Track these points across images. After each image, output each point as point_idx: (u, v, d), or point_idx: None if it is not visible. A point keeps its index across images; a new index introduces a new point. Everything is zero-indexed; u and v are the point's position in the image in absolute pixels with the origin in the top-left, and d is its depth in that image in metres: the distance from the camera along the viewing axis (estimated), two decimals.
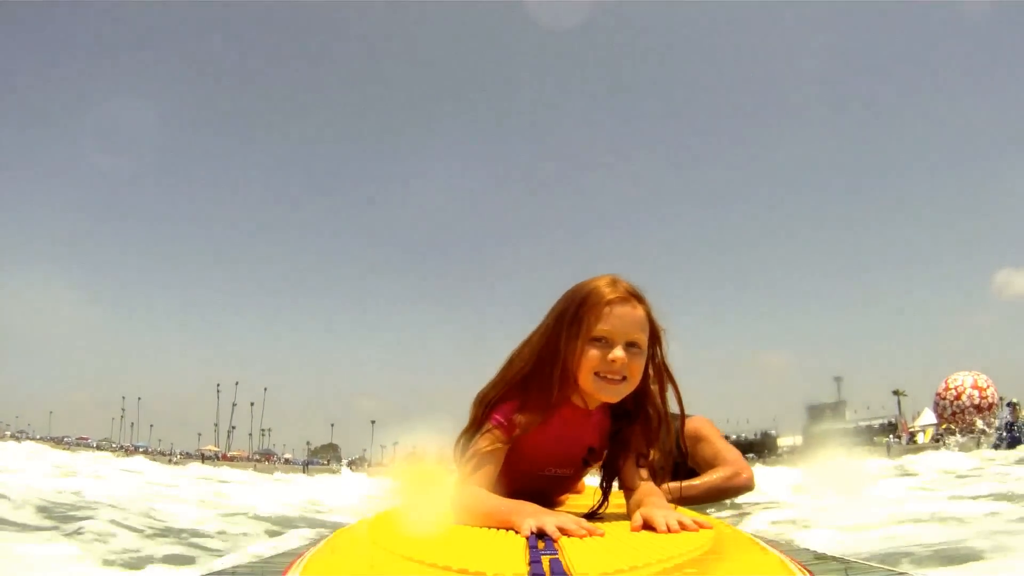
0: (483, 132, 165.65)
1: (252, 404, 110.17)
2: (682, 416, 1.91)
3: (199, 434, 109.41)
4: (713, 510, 3.90)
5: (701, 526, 1.30)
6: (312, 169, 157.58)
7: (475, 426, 1.80)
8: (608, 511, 1.79)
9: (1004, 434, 13.66)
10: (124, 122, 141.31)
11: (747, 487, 3.59)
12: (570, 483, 2.00)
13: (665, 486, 1.78)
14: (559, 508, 1.87)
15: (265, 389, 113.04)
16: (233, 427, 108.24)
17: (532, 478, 1.85)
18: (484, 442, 1.71)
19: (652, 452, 1.82)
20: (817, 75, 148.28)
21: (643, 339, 1.72)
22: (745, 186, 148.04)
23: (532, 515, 1.34)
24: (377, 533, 1.26)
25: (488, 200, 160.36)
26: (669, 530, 1.29)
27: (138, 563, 3.80)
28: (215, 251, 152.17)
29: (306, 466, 68.19)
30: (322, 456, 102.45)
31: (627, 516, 1.57)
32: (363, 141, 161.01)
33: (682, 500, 3.10)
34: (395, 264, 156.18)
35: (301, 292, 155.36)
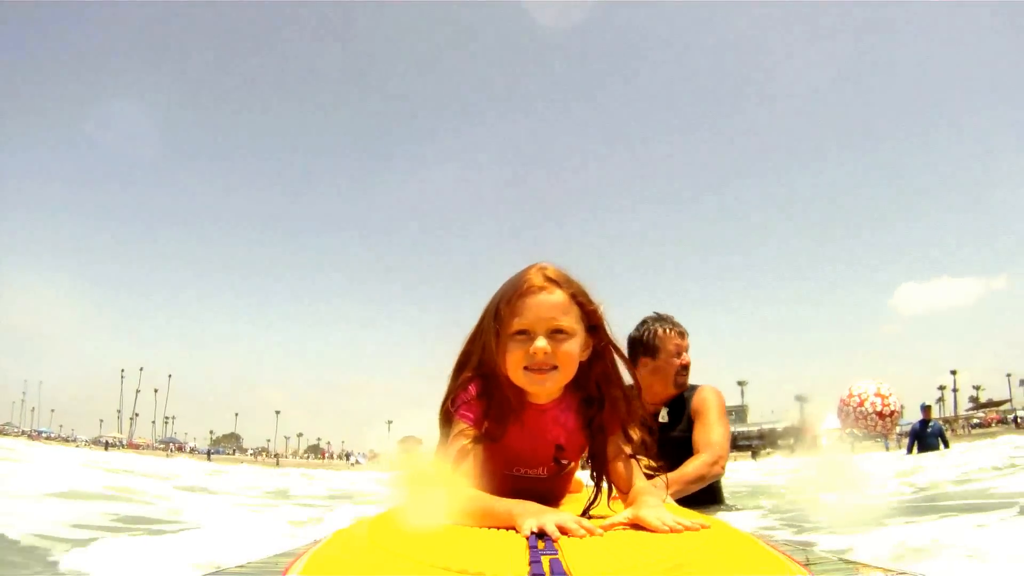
0: (476, 129, 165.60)
1: (156, 391, 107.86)
2: (639, 388, 1.90)
3: (101, 420, 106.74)
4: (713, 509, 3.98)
5: (701, 526, 1.30)
6: (230, 158, 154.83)
7: (447, 431, 1.79)
8: (608, 511, 1.76)
9: (914, 437, 14.43)
10: None
11: (718, 476, 3.68)
12: (548, 484, 1.95)
13: (658, 480, 1.77)
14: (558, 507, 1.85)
15: (170, 376, 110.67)
16: (136, 414, 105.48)
17: (503, 478, 1.83)
18: (460, 441, 1.71)
19: (632, 431, 1.82)
20: (786, 83, 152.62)
21: (568, 323, 1.71)
22: (692, 191, 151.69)
23: (533, 514, 1.33)
24: (377, 533, 1.25)
25: (454, 194, 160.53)
26: (670, 530, 1.29)
27: None
28: (119, 235, 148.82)
29: (209, 455, 66.71)
30: (225, 445, 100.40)
31: None
32: (319, 139, 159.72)
33: (675, 493, 3.16)
34: (304, 256, 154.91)
35: (208, 279, 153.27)
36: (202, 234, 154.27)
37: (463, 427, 1.73)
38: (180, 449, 78.95)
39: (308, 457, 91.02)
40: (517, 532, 1.31)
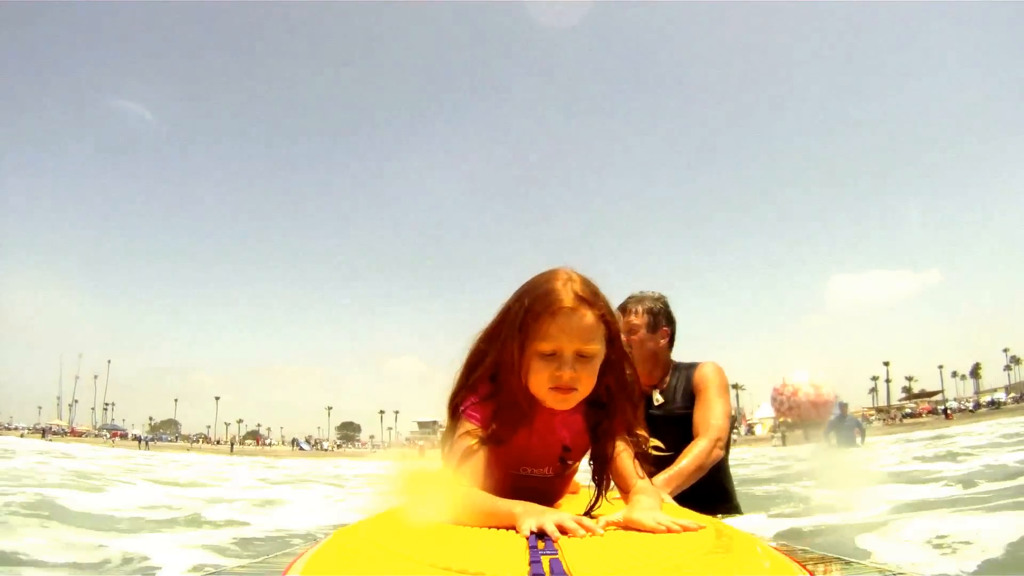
0: (473, 128, 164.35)
1: (96, 377, 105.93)
2: (640, 392, 1.88)
3: (39, 407, 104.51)
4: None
5: (698, 526, 1.30)
6: (183, 149, 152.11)
7: (453, 428, 1.76)
8: (609, 511, 1.71)
9: (830, 429, 15.10)
10: None
11: (717, 459, 3.58)
12: (552, 483, 1.94)
13: (662, 476, 1.73)
14: (557, 507, 1.83)
15: (109, 362, 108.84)
16: (76, 400, 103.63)
17: (509, 478, 1.82)
18: (465, 441, 1.69)
19: (636, 438, 1.81)
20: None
21: (595, 346, 1.68)
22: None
23: (533, 515, 1.33)
24: (377, 533, 1.25)
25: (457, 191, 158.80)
26: (668, 531, 1.28)
27: None
28: (58, 221, 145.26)
29: (146, 443, 65.53)
30: (164, 431, 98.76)
31: None
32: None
33: (677, 488, 3.15)
34: (243, 241, 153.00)
35: (148, 266, 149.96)
36: (140, 223, 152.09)
37: (470, 427, 1.71)
38: (123, 436, 77.41)
39: (247, 444, 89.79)
40: (517, 532, 1.31)
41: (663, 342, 3.96)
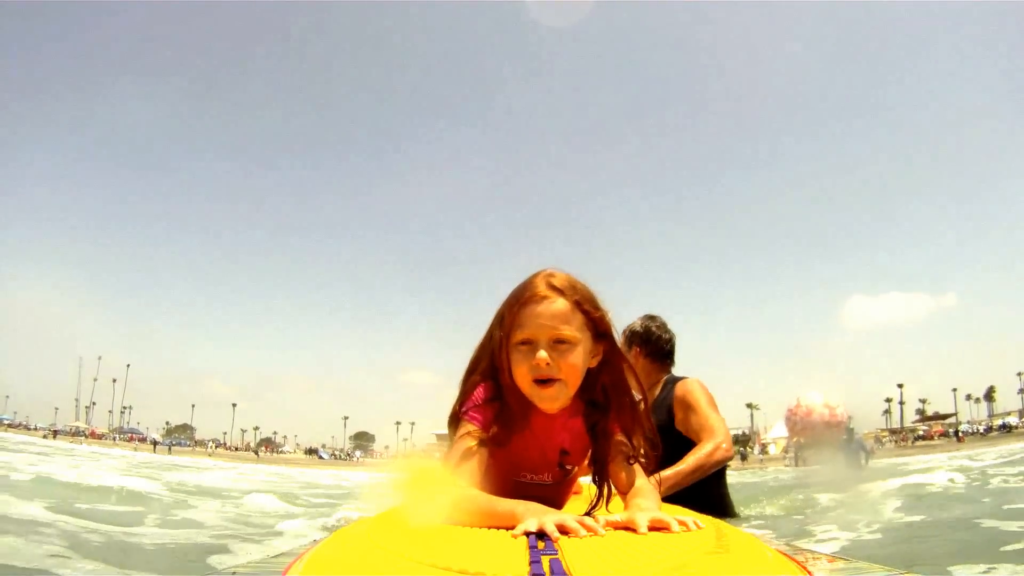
0: (472, 128, 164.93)
1: (115, 380, 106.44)
2: (645, 402, 1.86)
3: (56, 408, 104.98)
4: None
5: (696, 525, 1.29)
6: (203, 155, 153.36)
7: (455, 431, 1.77)
8: (609, 511, 1.75)
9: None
10: None
11: (726, 459, 3.68)
12: (553, 489, 1.92)
13: (655, 477, 1.75)
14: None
15: (128, 365, 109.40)
16: (93, 403, 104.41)
17: (509, 484, 1.82)
18: (466, 442, 1.69)
19: (637, 440, 1.80)
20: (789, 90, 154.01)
21: (570, 332, 1.69)
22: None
23: (533, 515, 1.32)
24: (377, 533, 1.24)
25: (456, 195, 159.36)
26: (662, 529, 1.28)
27: None
28: (83, 224, 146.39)
29: (168, 446, 66.22)
30: (180, 436, 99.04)
31: None
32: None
33: (671, 487, 3.17)
34: (262, 253, 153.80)
35: (168, 272, 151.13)
36: (164, 229, 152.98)
37: (470, 428, 1.72)
38: (142, 440, 77.86)
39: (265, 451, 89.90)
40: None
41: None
